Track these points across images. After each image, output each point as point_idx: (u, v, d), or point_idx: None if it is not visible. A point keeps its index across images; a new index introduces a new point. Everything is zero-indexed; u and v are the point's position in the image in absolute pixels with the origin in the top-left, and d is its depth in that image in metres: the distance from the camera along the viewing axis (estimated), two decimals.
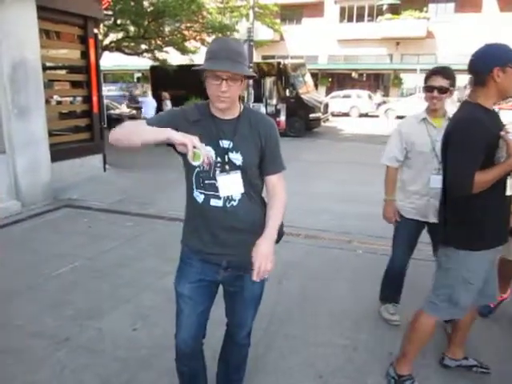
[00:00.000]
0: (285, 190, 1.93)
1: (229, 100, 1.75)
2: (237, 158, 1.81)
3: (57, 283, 3.85)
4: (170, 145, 1.69)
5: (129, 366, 2.71)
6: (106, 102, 13.82)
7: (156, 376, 2.59)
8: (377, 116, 23.94)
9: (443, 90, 2.77)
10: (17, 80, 5.87)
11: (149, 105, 14.15)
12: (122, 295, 3.61)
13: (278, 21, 23.59)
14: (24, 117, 6.02)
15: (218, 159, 1.81)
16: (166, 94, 14.12)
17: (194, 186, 1.86)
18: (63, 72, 8.60)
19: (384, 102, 25.95)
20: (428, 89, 2.81)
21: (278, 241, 2.08)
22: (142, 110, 14.68)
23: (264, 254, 1.71)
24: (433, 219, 2.87)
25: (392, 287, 3.31)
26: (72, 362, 2.74)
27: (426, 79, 2.84)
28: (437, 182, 2.75)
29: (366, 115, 24.55)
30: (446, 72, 2.80)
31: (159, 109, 13.46)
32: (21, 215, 5.75)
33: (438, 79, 2.77)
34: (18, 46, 5.86)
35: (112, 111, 17.56)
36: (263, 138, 1.84)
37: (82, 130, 8.09)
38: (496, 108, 3.28)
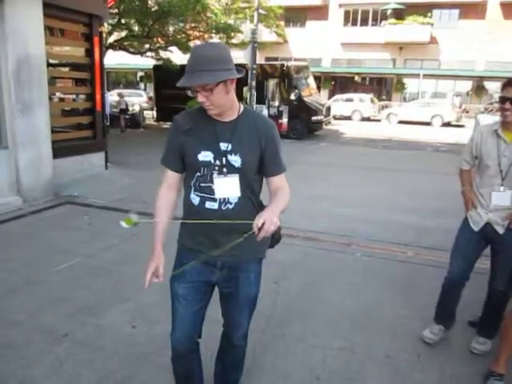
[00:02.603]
0: (288, 189, 1.93)
1: (213, 107, 1.76)
2: (236, 160, 1.81)
3: (57, 279, 3.86)
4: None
5: (128, 362, 2.73)
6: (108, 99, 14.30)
7: (155, 373, 2.61)
8: (379, 120, 24.00)
9: None
10: (21, 76, 5.90)
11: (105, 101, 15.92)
12: (121, 292, 3.64)
13: (282, 23, 23.64)
14: (27, 113, 6.05)
15: (217, 162, 1.81)
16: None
17: (192, 189, 1.88)
18: (67, 69, 8.63)
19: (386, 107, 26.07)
20: (500, 99, 2.58)
21: (274, 245, 2.10)
22: None
23: (268, 216, 1.63)
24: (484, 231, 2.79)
25: (443, 305, 3.04)
26: (71, 358, 2.75)
27: (502, 89, 2.59)
28: (498, 198, 2.69)
29: (368, 119, 24.60)
30: None
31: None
32: (22, 211, 5.77)
33: None
34: (24, 43, 5.88)
35: (114, 109, 17.79)
36: (263, 139, 1.84)
37: (85, 128, 8.10)
38: (497, 116, 3.27)
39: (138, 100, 23.81)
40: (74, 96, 8.69)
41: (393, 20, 28.19)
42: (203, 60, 1.67)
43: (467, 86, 27.83)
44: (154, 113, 19.74)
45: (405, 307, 3.51)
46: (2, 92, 5.79)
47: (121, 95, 18.04)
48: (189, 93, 1.77)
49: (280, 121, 15.05)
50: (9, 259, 4.29)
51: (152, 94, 26.39)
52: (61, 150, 6.86)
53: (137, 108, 19.48)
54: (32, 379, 2.57)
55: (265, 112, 15.03)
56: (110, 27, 13.99)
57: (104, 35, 11.05)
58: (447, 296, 3.00)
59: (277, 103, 15.78)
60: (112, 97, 17.84)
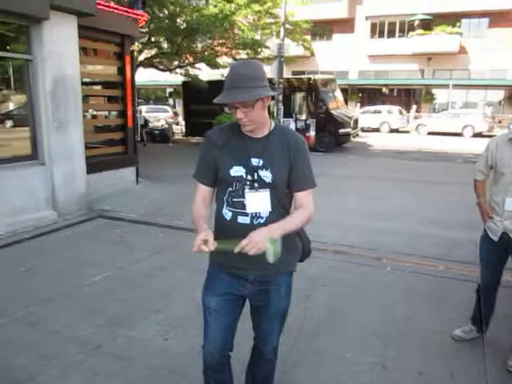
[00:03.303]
0: (312, 206, 1.92)
1: (250, 123, 1.81)
2: (266, 175, 1.85)
3: (90, 291, 3.97)
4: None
5: (159, 374, 2.76)
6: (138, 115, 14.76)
7: None
8: (408, 132, 23.67)
9: None
10: (57, 95, 6.14)
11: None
12: (152, 305, 3.69)
13: (308, 37, 23.76)
14: (63, 130, 6.28)
15: (248, 177, 1.85)
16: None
17: (225, 205, 1.91)
18: (100, 87, 8.94)
19: (415, 118, 25.72)
20: None
21: (304, 259, 2.11)
22: None
23: (254, 238, 1.66)
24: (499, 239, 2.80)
25: (477, 307, 3.13)
26: (104, 369, 2.81)
27: None
28: None
29: (397, 131, 24.30)
30: None
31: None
32: (57, 225, 5.96)
33: None
34: (60, 64, 6.14)
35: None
36: (292, 153, 1.87)
37: (117, 144, 8.34)
38: None
39: (164, 115, 24.37)
40: (106, 113, 8.97)
41: (420, 31, 27.93)
42: (242, 77, 1.73)
43: (499, 95, 27.22)
44: (182, 127, 20.12)
45: (437, 322, 3.43)
46: (39, 111, 6.04)
47: (140, 111, 18.59)
48: (226, 109, 1.83)
49: (307, 134, 15.07)
50: (45, 271, 4.44)
51: (177, 109, 27.01)
52: (94, 165, 7.08)
53: (163, 123, 19.99)
54: None
55: (292, 125, 15.08)
56: (140, 45, 14.40)
57: (135, 54, 11.39)
58: (480, 299, 3.06)
59: (304, 116, 15.81)
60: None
